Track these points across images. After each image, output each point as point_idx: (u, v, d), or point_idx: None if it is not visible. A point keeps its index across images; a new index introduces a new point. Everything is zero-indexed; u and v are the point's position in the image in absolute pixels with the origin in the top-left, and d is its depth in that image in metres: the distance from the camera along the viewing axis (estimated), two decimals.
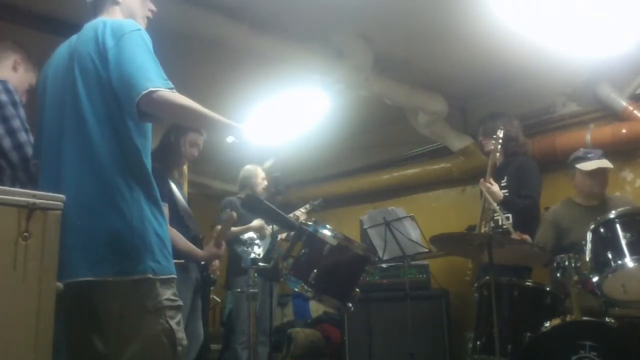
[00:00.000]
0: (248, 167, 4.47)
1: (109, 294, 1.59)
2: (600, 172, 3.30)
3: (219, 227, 3.45)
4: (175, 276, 1.71)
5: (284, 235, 4.07)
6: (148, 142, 1.75)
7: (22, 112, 2.11)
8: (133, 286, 1.60)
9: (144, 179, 1.70)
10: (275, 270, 2.43)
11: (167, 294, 1.65)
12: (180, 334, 1.65)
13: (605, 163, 3.29)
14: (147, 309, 1.60)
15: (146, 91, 1.55)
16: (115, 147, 1.66)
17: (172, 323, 1.63)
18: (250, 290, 2.49)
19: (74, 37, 1.81)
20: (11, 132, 2.04)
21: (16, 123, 2.06)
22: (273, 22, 3.54)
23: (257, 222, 4.18)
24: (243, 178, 4.48)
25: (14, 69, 2.33)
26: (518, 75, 4.34)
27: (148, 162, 1.73)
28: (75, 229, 1.59)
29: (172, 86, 1.61)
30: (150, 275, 1.61)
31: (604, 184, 3.34)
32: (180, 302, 1.70)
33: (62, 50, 1.83)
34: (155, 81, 1.58)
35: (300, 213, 4.54)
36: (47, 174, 1.75)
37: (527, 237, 3.20)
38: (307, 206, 4.74)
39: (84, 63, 1.68)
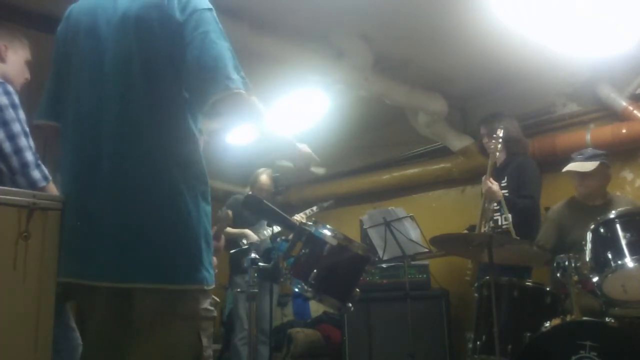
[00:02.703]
0: (259, 170, 4.47)
1: (152, 299, 1.43)
2: (577, 174, 3.28)
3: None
4: (214, 286, 1.54)
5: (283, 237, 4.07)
6: (201, 133, 1.60)
7: (22, 114, 2.09)
8: (181, 294, 1.45)
9: (201, 174, 1.53)
10: (275, 270, 2.43)
11: (206, 303, 1.50)
12: (208, 352, 1.48)
13: (580, 166, 3.25)
14: (182, 316, 1.45)
15: (228, 93, 1.44)
16: (170, 133, 1.49)
17: (204, 338, 1.47)
18: (251, 290, 2.49)
19: None
20: (11, 137, 2.02)
21: (16, 127, 2.05)
22: (273, 22, 3.54)
23: (250, 233, 4.19)
24: (251, 179, 4.50)
25: (2, 59, 2.23)
26: (518, 75, 4.34)
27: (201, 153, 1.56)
28: (120, 226, 1.44)
29: (249, 85, 1.49)
30: (205, 287, 1.47)
31: (590, 186, 3.30)
32: (215, 313, 1.54)
33: (99, 2, 1.61)
34: (235, 79, 1.46)
35: (305, 216, 4.53)
36: (80, 153, 1.53)
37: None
38: (315, 208, 4.72)
39: (144, 31, 1.50)
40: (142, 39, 1.51)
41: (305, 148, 1.82)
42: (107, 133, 1.50)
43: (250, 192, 4.49)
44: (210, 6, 1.55)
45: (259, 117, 1.56)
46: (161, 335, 1.43)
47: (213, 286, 1.53)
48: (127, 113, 1.49)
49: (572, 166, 3.29)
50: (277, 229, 4.33)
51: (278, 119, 1.78)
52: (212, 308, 1.53)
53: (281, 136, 1.69)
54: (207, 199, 1.55)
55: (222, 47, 1.49)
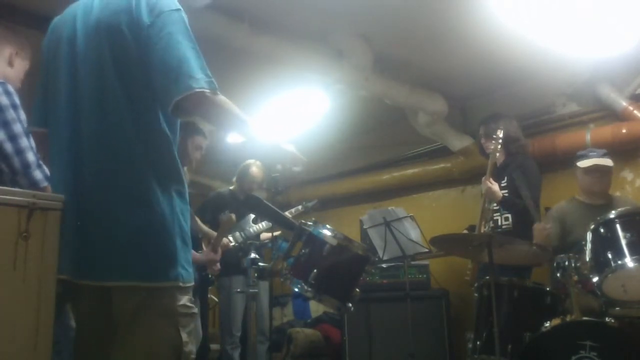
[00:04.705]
0: (248, 162, 4.39)
1: (130, 297, 1.47)
2: (598, 170, 3.32)
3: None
4: (193, 284, 1.58)
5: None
6: (176, 133, 1.62)
7: (22, 114, 2.10)
8: (157, 291, 1.48)
9: (175, 173, 1.56)
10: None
11: (184, 299, 1.52)
12: (189, 347, 1.52)
13: (603, 161, 3.31)
14: (159, 313, 1.48)
15: (191, 92, 1.44)
16: (144, 134, 1.52)
17: (183, 333, 1.51)
18: (251, 290, 2.49)
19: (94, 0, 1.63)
20: (13, 138, 2.02)
21: (17, 128, 2.05)
22: (273, 22, 3.54)
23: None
24: (239, 172, 4.41)
25: (10, 64, 2.26)
26: (518, 76, 4.34)
27: (177, 154, 1.59)
28: (97, 226, 1.48)
29: (215, 85, 1.49)
30: (180, 284, 1.50)
31: (605, 183, 3.36)
32: (195, 310, 1.58)
33: (77, 12, 1.65)
34: (199, 79, 1.46)
35: (290, 215, 4.50)
36: (62, 155, 1.59)
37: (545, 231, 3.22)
38: (300, 207, 4.72)
39: (115, 37, 1.52)
40: (114, 46, 1.54)
41: (291, 148, 1.81)
42: (85, 137, 1.54)
43: (232, 188, 4.46)
44: (179, 7, 1.56)
45: (228, 117, 1.56)
46: (141, 331, 1.47)
47: (192, 284, 1.56)
48: (103, 119, 1.53)
49: (598, 161, 3.33)
50: (262, 225, 4.33)
51: (260, 121, 1.76)
52: (191, 305, 1.56)
53: (262, 138, 1.67)
54: (184, 197, 1.58)
55: (187, 47, 1.50)
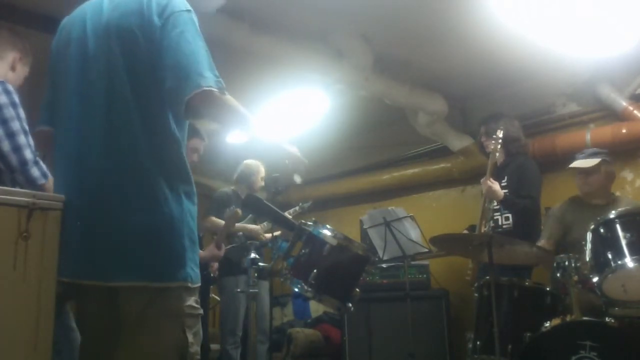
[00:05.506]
0: (249, 162, 4.40)
1: (137, 297, 1.47)
2: (581, 172, 3.32)
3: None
4: (200, 284, 1.58)
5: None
6: (185, 135, 1.62)
7: (21, 113, 2.10)
8: (165, 291, 1.48)
9: (183, 174, 1.57)
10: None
11: (190, 300, 1.52)
12: (195, 348, 1.52)
13: (581, 163, 3.30)
14: (166, 313, 1.48)
15: (199, 90, 1.45)
16: (153, 135, 1.52)
17: (189, 334, 1.51)
18: (251, 290, 2.49)
19: (104, 1, 1.63)
20: (10, 135, 2.03)
21: (15, 125, 2.05)
22: (273, 22, 3.54)
23: (254, 226, 4.18)
24: (242, 172, 4.42)
25: (13, 68, 2.28)
26: (518, 76, 4.34)
27: (185, 155, 1.60)
28: (105, 226, 1.48)
29: (223, 85, 1.50)
30: (189, 284, 1.51)
31: (592, 184, 3.32)
32: (201, 311, 1.57)
33: (87, 12, 1.66)
34: (208, 78, 1.47)
35: (290, 215, 4.50)
36: (68, 155, 1.59)
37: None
38: (297, 208, 4.73)
39: (126, 39, 1.53)
40: (125, 48, 1.54)
41: (294, 150, 1.83)
42: (93, 139, 1.54)
43: (233, 188, 4.47)
44: (189, 8, 1.57)
45: (235, 116, 1.57)
46: (147, 332, 1.47)
47: (199, 284, 1.56)
48: (112, 120, 1.53)
49: (575, 163, 3.34)
50: (262, 225, 4.33)
51: (264, 121, 1.77)
52: (197, 306, 1.55)
53: (266, 138, 1.69)
54: (192, 199, 1.58)
55: (197, 47, 1.51)
